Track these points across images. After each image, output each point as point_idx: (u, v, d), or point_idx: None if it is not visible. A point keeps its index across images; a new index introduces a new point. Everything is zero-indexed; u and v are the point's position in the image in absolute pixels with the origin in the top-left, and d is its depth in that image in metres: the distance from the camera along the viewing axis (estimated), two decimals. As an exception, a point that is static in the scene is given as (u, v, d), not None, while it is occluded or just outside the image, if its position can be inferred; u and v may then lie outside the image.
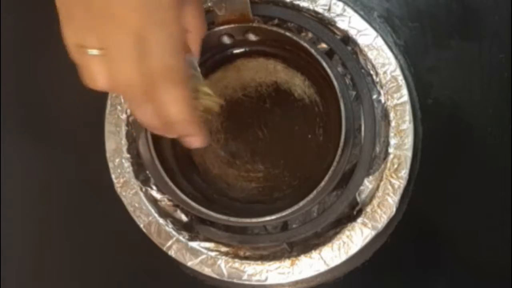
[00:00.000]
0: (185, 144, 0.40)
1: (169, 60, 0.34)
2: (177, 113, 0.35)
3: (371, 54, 0.48)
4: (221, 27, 0.46)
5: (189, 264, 0.48)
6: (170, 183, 0.44)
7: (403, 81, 0.47)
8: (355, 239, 0.46)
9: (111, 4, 0.32)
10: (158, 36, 0.33)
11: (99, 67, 0.34)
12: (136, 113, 0.37)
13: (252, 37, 0.48)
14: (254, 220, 0.44)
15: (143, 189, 0.49)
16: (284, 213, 0.44)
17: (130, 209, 0.49)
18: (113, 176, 0.49)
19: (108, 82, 0.34)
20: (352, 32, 0.48)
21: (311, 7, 0.49)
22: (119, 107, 0.50)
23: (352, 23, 0.48)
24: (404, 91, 0.47)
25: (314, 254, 0.46)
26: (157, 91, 0.34)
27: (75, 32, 0.34)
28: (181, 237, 0.48)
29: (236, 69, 0.51)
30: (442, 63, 0.48)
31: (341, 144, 0.43)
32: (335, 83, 0.43)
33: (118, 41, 0.33)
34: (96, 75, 0.34)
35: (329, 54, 0.48)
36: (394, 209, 0.46)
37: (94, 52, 0.33)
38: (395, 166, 0.46)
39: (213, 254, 0.48)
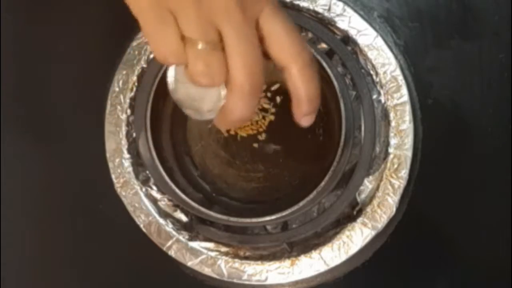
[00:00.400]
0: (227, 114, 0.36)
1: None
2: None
3: (371, 54, 0.48)
4: (221, 27, 0.46)
5: (189, 264, 0.48)
6: (170, 183, 0.44)
7: (403, 81, 0.47)
8: (355, 239, 0.46)
9: None
10: None
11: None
12: None
13: (252, 37, 0.48)
14: (254, 220, 0.44)
15: (143, 189, 0.49)
16: (284, 213, 0.44)
17: (130, 209, 0.49)
18: (113, 176, 0.49)
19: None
20: (352, 32, 0.48)
21: (311, 7, 0.49)
22: (119, 107, 0.50)
23: (352, 23, 0.48)
24: (404, 91, 0.47)
25: (314, 254, 0.46)
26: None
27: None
28: (181, 237, 0.48)
29: None
30: (442, 63, 0.48)
31: (341, 144, 0.43)
32: (335, 83, 0.43)
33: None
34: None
35: (329, 54, 0.48)
36: (394, 209, 0.46)
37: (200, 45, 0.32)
38: (395, 166, 0.46)
39: (213, 254, 0.48)
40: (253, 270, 0.47)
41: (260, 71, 0.33)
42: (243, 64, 0.33)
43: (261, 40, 0.33)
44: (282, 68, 0.35)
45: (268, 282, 0.47)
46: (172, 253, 0.48)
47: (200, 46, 0.32)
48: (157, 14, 0.32)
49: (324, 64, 0.44)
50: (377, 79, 0.48)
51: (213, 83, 0.33)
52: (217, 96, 0.36)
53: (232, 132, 0.49)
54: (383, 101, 0.48)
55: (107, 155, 0.50)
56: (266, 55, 0.34)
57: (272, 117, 0.50)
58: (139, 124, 0.47)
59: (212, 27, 0.32)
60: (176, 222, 0.49)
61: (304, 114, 0.36)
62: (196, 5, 0.31)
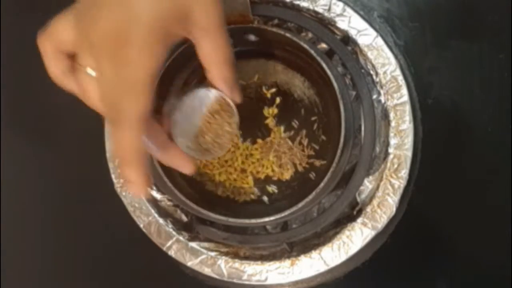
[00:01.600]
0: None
1: (127, 104, 0.35)
2: (118, 148, 0.36)
3: (371, 54, 0.48)
4: (221, 27, 0.46)
5: (189, 264, 0.48)
6: (169, 184, 0.44)
7: (403, 81, 0.47)
8: (355, 239, 0.46)
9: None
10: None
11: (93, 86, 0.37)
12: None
13: (252, 37, 0.48)
14: (254, 220, 0.44)
15: (143, 189, 0.49)
16: (284, 214, 0.44)
17: (130, 209, 0.49)
18: (113, 176, 0.49)
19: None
20: (352, 32, 0.48)
21: (311, 7, 0.49)
22: (119, 107, 0.50)
23: (352, 23, 0.48)
24: (404, 91, 0.47)
25: (314, 254, 0.47)
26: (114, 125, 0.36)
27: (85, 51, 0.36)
28: (181, 237, 0.48)
29: (236, 69, 0.50)
30: (442, 63, 0.48)
31: (341, 144, 0.43)
32: (335, 84, 0.43)
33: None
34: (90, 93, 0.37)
35: (329, 54, 0.48)
36: (394, 209, 0.46)
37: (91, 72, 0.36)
38: (395, 166, 0.47)
39: (213, 254, 0.48)
40: (253, 270, 0.47)
41: None
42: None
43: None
44: (198, 37, 0.37)
45: (268, 282, 0.47)
46: (172, 253, 0.48)
47: (87, 71, 0.37)
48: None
49: (324, 65, 0.44)
50: (377, 79, 0.48)
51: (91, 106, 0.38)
52: (211, 138, 0.41)
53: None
54: (383, 101, 0.48)
55: (107, 155, 0.50)
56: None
57: (272, 120, 0.50)
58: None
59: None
60: (176, 222, 0.49)
61: (221, 77, 0.39)
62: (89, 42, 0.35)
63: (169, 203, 0.50)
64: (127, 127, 0.35)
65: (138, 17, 0.33)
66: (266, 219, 0.44)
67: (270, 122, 0.50)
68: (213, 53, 0.38)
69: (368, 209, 0.46)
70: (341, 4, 0.49)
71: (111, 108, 0.35)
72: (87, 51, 0.36)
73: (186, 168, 0.41)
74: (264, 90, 0.50)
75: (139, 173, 0.36)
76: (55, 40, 0.37)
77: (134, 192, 0.37)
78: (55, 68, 0.38)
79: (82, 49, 0.36)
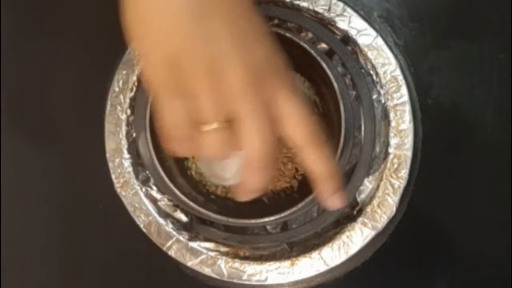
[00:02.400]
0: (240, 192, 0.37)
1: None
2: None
3: (371, 54, 0.48)
4: (221, 27, 0.46)
5: (189, 264, 0.48)
6: (170, 184, 0.44)
7: (403, 81, 0.47)
8: (355, 239, 0.46)
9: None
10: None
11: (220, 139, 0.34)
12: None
13: (252, 37, 0.48)
14: (253, 220, 0.44)
15: (143, 189, 0.49)
16: (284, 214, 0.44)
17: (130, 209, 0.49)
18: (113, 176, 0.49)
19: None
20: (352, 32, 0.48)
21: (311, 7, 0.49)
22: (119, 107, 0.50)
23: (352, 23, 0.48)
24: (404, 91, 0.47)
25: (314, 254, 0.47)
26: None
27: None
28: (181, 237, 0.48)
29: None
30: (442, 63, 0.48)
31: (341, 144, 0.43)
32: (335, 84, 0.43)
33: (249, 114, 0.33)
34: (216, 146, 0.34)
35: (329, 54, 0.48)
36: (394, 209, 0.46)
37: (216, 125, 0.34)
38: (395, 166, 0.46)
39: (213, 254, 0.48)
40: (253, 270, 0.47)
41: (271, 149, 0.34)
42: (255, 142, 0.33)
43: (277, 121, 0.34)
44: (298, 149, 0.35)
45: (268, 282, 0.47)
46: (172, 253, 0.48)
47: (213, 126, 0.33)
48: (172, 90, 0.33)
49: (324, 65, 0.44)
50: (377, 79, 0.48)
51: (223, 158, 0.35)
52: (237, 164, 0.38)
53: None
54: (383, 101, 0.48)
55: (107, 155, 0.50)
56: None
57: None
58: (139, 124, 0.47)
59: (226, 108, 0.33)
60: (176, 222, 0.49)
61: (328, 194, 0.37)
62: (213, 88, 0.32)
63: (169, 203, 0.50)
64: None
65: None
66: (266, 219, 0.44)
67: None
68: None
69: (368, 209, 0.46)
70: (341, 4, 0.49)
71: None
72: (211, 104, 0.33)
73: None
74: None
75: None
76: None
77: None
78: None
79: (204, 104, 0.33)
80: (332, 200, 0.37)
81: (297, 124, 0.34)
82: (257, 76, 0.33)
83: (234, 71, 0.32)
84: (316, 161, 0.35)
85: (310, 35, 0.49)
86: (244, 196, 0.36)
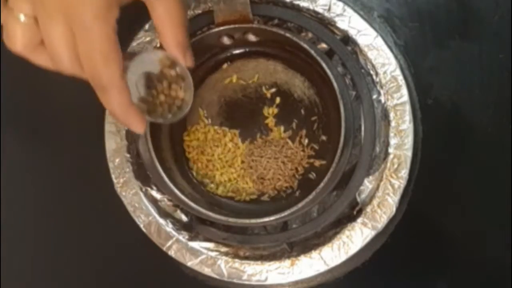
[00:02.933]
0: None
1: (95, 67, 0.35)
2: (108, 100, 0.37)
3: (371, 54, 0.48)
4: (221, 28, 0.46)
5: (189, 264, 0.48)
6: (169, 184, 0.44)
7: (403, 81, 0.47)
8: (355, 239, 0.46)
9: None
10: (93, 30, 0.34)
11: (26, 33, 0.37)
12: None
13: (252, 37, 0.48)
14: (253, 220, 0.44)
15: (143, 189, 0.49)
16: (284, 214, 0.44)
17: (130, 209, 0.49)
18: (113, 176, 0.49)
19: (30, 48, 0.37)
20: (352, 32, 0.48)
21: (311, 7, 0.49)
22: (119, 107, 0.50)
23: (352, 23, 0.48)
24: (404, 91, 0.47)
25: (314, 254, 0.47)
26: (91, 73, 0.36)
27: None
28: (181, 237, 0.48)
29: (236, 69, 0.51)
30: (442, 63, 0.48)
31: (341, 144, 0.43)
32: (335, 84, 0.43)
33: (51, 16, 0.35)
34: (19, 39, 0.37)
35: (329, 54, 0.48)
36: (394, 209, 0.46)
37: (22, 17, 0.36)
38: (395, 166, 0.46)
39: (213, 254, 0.48)
40: (253, 270, 0.47)
41: (63, 59, 0.36)
42: (45, 44, 0.36)
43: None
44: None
45: (268, 282, 0.47)
46: (172, 253, 0.48)
47: (17, 15, 0.36)
48: None
49: (324, 65, 0.44)
50: (377, 79, 0.48)
51: (15, 51, 0.38)
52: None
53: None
54: (383, 101, 0.48)
55: (107, 155, 0.50)
56: None
57: (272, 119, 0.50)
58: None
59: (31, 4, 0.36)
60: (176, 222, 0.49)
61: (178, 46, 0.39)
62: None
63: (169, 203, 0.50)
64: (114, 92, 0.36)
65: None
66: (266, 219, 0.44)
67: (270, 122, 0.50)
68: (166, 15, 0.37)
69: (368, 209, 0.46)
70: (341, 4, 0.49)
71: (90, 72, 0.36)
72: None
73: (137, 124, 0.39)
74: (264, 90, 0.50)
75: (138, 119, 0.38)
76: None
77: (138, 131, 0.39)
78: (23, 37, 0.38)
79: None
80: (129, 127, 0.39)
81: (85, 62, 0.36)
82: None
83: None
84: (106, 105, 0.37)
85: (310, 35, 0.49)
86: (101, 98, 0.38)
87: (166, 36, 0.38)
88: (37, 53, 0.38)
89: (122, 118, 0.37)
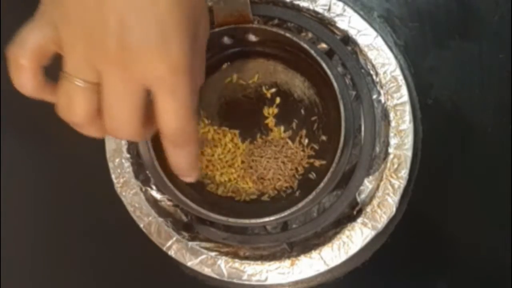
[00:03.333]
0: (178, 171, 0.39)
1: (181, 123, 0.34)
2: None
3: (371, 54, 0.48)
4: (221, 28, 0.46)
5: (189, 264, 0.48)
6: (169, 184, 0.44)
7: (403, 81, 0.47)
8: (355, 239, 0.46)
9: (127, 42, 0.30)
10: (171, 98, 0.32)
11: (85, 100, 0.33)
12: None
13: (252, 37, 0.48)
14: (253, 220, 0.44)
15: (143, 189, 0.49)
16: (284, 214, 0.44)
17: (130, 209, 0.49)
18: (113, 176, 0.49)
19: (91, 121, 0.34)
20: (352, 32, 0.48)
21: (311, 7, 0.49)
22: (119, 107, 0.50)
23: (352, 23, 0.48)
24: (404, 91, 0.47)
25: (314, 254, 0.47)
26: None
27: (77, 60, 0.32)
28: (181, 237, 0.48)
29: (236, 69, 0.50)
30: (442, 63, 0.48)
31: (341, 144, 0.43)
32: (335, 84, 0.43)
33: (119, 87, 0.32)
34: (78, 107, 0.33)
35: (329, 54, 0.48)
36: (394, 209, 0.46)
37: (81, 83, 0.33)
38: (395, 166, 0.46)
39: (213, 254, 0.48)
40: (253, 270, 0.47)
41: (127, 127, 0.33)
42: (109, 114, 0.33)
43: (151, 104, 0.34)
44: (163, 138, 0.36)
45: (268, 282, 0.47)
46: (172, 253, 0.48)
47: (76, 82, 0.33)
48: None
49: (324, 65, 0.44)
50: (377, 79, 0.48)
51: (72, 121, 0.34)
52: None
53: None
54: (383, 101, 0.48)
55: (107, 155, 0.50)
56: None
57: (272, 119, 0.50)
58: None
59: (92, 69, 0.32)
60: (176, 222, 0.49)
61: (181, 176, 0.40)
62: (85, 44, 0.31)
63: (169, 203, 0.50)
64: (196, 145, 0.35)
65: (167, 30, 0.31)
66: (266, 219, 0.44)
67: (270, 122, 0.50)
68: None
69: (368, 209, 0.46)
70: (341, 4, 0.49)
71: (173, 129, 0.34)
72: (81, 59, 0.32)
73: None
74: (264, 90, 0.50)
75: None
76: (33, 46, 0.34)
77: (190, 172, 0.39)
78: (31, 81, 0.35)
79: (74, 57, 0.32)
80: (185, 178, 0.40)
81: (163, 119, 0.34)
82: (130, 52, 0.31)
83: (105, 37, 0.31)
84: (172, 156, 0.37)
85: (310, 35, 0.49)
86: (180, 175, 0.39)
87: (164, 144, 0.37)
88: (94, 123, 0.34)
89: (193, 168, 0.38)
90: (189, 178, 0.40)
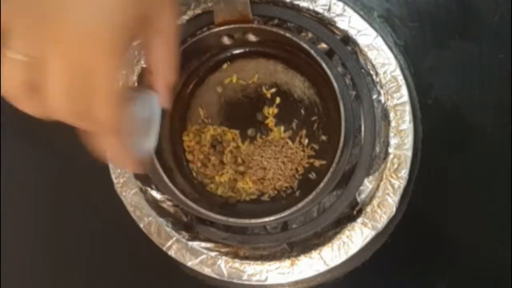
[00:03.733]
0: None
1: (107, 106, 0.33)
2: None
3: (371, 54, 0.48)
4: (221, 28, 0.46)
5: (189, 264, 0.48)
6: (170, 184, 0.44)
7: (403, 81, 0.47)
8: (355, 239, 0.46)
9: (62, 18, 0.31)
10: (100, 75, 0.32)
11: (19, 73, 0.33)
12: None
13: (252, 37, 0.48)
14: (253, 220, 0.44)
15: (143, 189, 0.49)
16: (284, 214, 0.44)
17: (130, 209, 0.49)
18: (113, 176, 0.49)
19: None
20: (352, 32, 0.48)
21: (311, 7, 0.49)
22: (119, 107, 0.50)
23: (352, 23, 0.48)
24: (404, 91, 0.47)
25: (314, 254, 0.47)
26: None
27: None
28: (181, 237, 0.48)
29: (236, 69, 0.51)
30: (442, 63, 0.48)
31: (341, 144, 0.43)
32: (335, 84, 0.43)
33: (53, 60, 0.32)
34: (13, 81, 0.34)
35: (329, 54, 0.48)
36: (394, 209, 0.46)
37: (19, 57, 0.33)
38: (395, 166, 0.46)
39: (213, 254, 0.48)
40: (253, 270, 0.47)
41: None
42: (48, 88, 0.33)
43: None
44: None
45: (268, 282, 0.47)
46: (172, 253, 0.48)
47: (17, 55, 0.33)
48: None
49: (324, 65, 0.44)
50: (377, 79, 0.48)
51: (6, 91, 0.35)
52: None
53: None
54: (383, 101, 0.48)
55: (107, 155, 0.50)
56: None
57: (272, 119, 0.50)
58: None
59: (33, 44, 0.32)
60: (176, 222, 0.49)
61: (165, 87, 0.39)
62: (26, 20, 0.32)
63: (169, 203, 0.50)
64: (108, 134, 0.35)
65: (109, 17, 0.32)
66: (266, 219, 0.44)
67: (270, 122, 0.50)
68: (165, 56, 0.37)
69: (368, 209, 0.46)
70: (341, 4, 0.49)
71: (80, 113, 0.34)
72: (23, 33, 0.32)
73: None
74: (264, 90, 0.50)
75: (134, 163, 0.38)
76: None
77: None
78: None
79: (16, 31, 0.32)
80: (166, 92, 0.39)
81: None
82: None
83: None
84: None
85: (310, 35, 0.49)
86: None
87: (158, 78, 0.38)
88: (27, 98, 0.35)
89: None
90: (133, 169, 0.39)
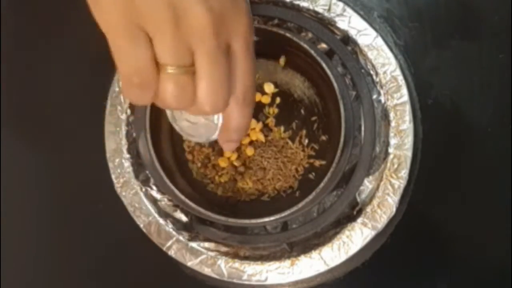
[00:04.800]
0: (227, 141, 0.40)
1: (254, 79, 0.37)
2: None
3: (371, 54, 0.48)
4: (221, 27, 0.46)
5: (189, 264, 0.48)
6: (170, 184, 0.44)
7: (403, 81, 0.47)
8: (355, 239, 0.46)
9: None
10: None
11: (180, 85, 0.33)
12: None
13: (252, 37, 0.48)
14: (253, 220, 0.44)
15: (143, 189, 0.49)
16: (284, 214, 0.44)
17: (130, 209, 0.49)
18: (113, 176, 0.49)
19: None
20: (352, 32, 0.48)
21: (311, 7, 0.49)
22: (119, 107, 0.50)
23: (352, 23, 0.48)
24: (404, 91, 0.47)
25: (314, 254, 0.47)
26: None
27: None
28: (181, 237, 0.48)
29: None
30: (442, 63, 0.48)
31: (341, 144, 0.43)
32: (335, 84, 0.43)
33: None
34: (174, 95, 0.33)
35: (329, 54, 0.48)
36: (394, 209, 0.46)
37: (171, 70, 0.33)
38: (395, 166, 0.46)
39: (213, 254, 0.48)
40: (253, 270, 0.47)
41: (224, 93, 0.34)
42: (209, 87, 0.33)
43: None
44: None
45: (268, 282, 0.47)
46: (172, 253, 0.48)
47: (172, 70, 0.32)
48: (128, 32, 0.32)
49: (324, 65, 0.44)
50: (377, 79, 0.48)
51: (182, 106, 0.34)
52: (215, 120, 0.38)
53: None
54: (383, 101, 0.48)
55: (107, 155, 0.50)
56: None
57: (272, 119, 0.50)
58: (139, 124, 0.47)
59: (186, 51, 0.32)
60: (176, 222, 0.49)
61: (227, 141, 0.39)
62: (174, 29, 0.31)
63: (169, 203, 0.50)
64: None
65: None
66: (266, 219, 0.44)
67: (270, 122, 0.50)
68: (238, 118, 0.38)
69: (368, 209, 0.46)
70: (341, 4, 0.49)
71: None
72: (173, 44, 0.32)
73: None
74: (264, 90, 0.50)
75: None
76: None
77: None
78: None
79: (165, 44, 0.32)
80: (228, 145, 0.40)
81: (242, 77, 0.35)
82: (218, 17, 0.32)
83: (194, 11, 0.31)
84: (238, 117, 0.37)
85: (310, 35, 0.49)
86: (228, 141, 0.39)
87: (225, 133, 0.38)
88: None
89: None
90: (237, 143, 0.40)
